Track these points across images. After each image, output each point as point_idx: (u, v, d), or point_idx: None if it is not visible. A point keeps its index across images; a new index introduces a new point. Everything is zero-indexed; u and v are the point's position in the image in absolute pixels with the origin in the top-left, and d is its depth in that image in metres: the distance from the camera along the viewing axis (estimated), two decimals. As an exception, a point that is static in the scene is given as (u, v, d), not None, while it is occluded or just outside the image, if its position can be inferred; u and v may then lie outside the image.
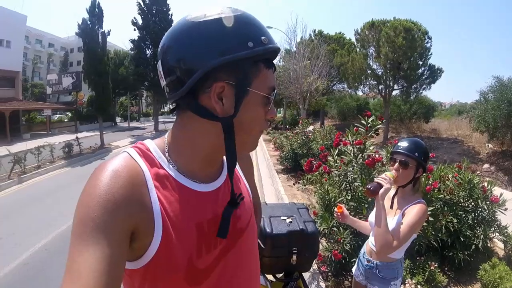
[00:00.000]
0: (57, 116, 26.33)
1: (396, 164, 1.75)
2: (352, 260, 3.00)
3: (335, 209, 1.98)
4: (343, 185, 3.28)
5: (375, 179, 1.68)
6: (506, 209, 3.63)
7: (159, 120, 25.35)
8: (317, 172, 3.71)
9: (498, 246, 4.18)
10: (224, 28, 0.62)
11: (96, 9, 14.91)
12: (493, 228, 3.64)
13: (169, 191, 0.65)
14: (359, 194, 3.10)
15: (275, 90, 0.69)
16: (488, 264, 3.20)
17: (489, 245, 3.82)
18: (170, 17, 22.47)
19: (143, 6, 21.50)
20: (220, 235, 0.66)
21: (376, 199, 1.65)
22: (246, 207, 0.80)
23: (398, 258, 1.81)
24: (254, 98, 0.65)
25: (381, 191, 1.62)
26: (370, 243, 1.92)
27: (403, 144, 1.76)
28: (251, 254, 0.81)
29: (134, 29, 21.53)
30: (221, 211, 0.71)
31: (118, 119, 30.97)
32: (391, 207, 1.83)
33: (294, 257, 1.80)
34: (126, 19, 25.53)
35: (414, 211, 1.68)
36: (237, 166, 0.85)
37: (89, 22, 14.65)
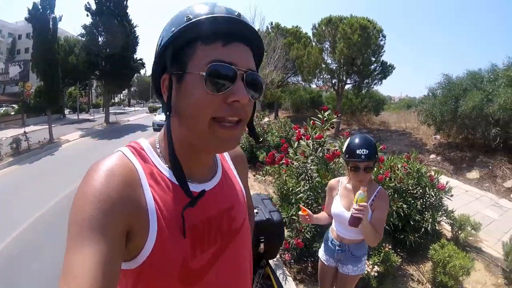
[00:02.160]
0: (3, 109, 24.20)
1: (361, 170, 1.88)
2: (313, 246, 3.17)
3: (300, 212, 2.01)
4: (302, 176, 3.41)
5: (353, 213, 1.74)
6: (452, 195, 4.05)
7: (110, 111, 24.15)
8: (277, 165, 3.80)
9: (446, 228, 4.64)
10: (167, 23, 0.65)
11: None
12: (440, 213, 4.05)
13: (163, 190, 0.65)
14: (316, 184, 3.25)
15: (217, 62, 0.59)
16: (438, 245, 3.59)
17: (437, 228, 4.27)
18: (125, 2, 21.28)
19: None
20: (183, 235, 0.64)
21: (363, 227, 1.79)
22: (240, 208, 0.79)
23: (363, 237, 1.96)
24: (190, 81, 0.60)
25: (363, 221, 1.74)
26: (337, 231, 2.09)
27: (363, 151, 1.86)
28: (245, 255, 0.80)
29: (87, 15, 20.19)
30: (215, 212, 0.71)
31: (66, 111, 28.99)
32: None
33: (262, 245, 1.87)
34: (78, 3, 23.69)
35: (383, 204, 1.91)
36: (232, 166, 0.87)
37: (40, 7, 13.65)
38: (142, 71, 40.99)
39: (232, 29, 0.61)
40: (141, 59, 25.40)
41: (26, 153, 10.92)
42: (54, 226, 4.59)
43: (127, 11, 21.64)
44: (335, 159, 3.33)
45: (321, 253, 2.24)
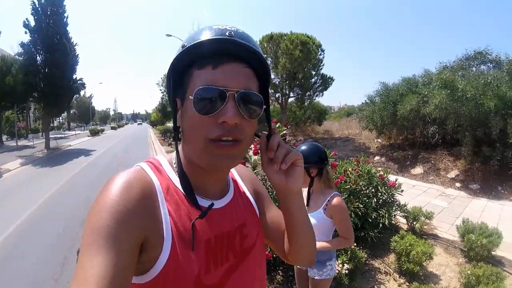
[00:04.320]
0: None
1: None
2: (281, 256, 3.19)
3: None
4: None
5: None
6: (402, 191, 4.39)
7: (50, 136, 22.43)
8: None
9: (401, 221, 5.02)
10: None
11: None
12: (394, 208, 4.37)
13: (178, 206, 0.66)
14: (272, 191, 3.31)
15: (202, 87, 0.60)
16: (397, 236, 3.90)
17: (393, 222, 4.59)
18: (65, 19, 20.10)
19: (37, 5, 18.68)
20: (191, 248, 0.64)
21: (319, 248, 1.95)
22: (253, 226, 0.80)
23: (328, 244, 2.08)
24: (188, 105, 0.63)
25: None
26: None
27: None
28: (257, 273, 0.79)
29: (26, 32, 18.70)
30: (227, 229, 0.72)
31: (4, 137, 26.36)
32: (308, 204, 2.12)
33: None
34: (16, 20, 21.71)
35: (338, 210, 2.00)
36: (244, 186, 0.87)
37: (-26, 23, 12.35)
38: (82, 92, 38.65)
39: (221, 49, 0.62)
40: (81, 79, 23.70)
41: (-38, 185, 9.76)
42: (5, 267, 4.08)
43: (67, 28, 20.50)
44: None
45: None
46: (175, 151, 0.73)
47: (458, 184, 8.33)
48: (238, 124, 0.62)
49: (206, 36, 0.62)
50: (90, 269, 0.50)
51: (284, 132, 3.56)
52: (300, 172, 0.71)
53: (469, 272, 3.38)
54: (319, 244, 1.96)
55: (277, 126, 3.45)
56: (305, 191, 2.17)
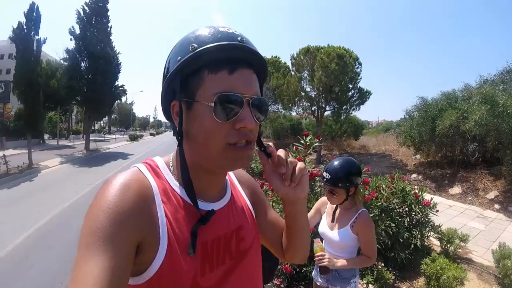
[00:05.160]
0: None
1: (327, 192, 1.97)
2: (303, 270, 3.14)
3: (316, 248, 1.97)
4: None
5: (317, 264, 1.94)
6: (437, 211, 4.15)
7: (91, 138, 23.61)
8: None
9: (434, 243, 4.72)
10: (173, 49, 0.68)
11: (34, 14, 13.67)
12: (428, 228, 4.12)
13: (175, 208, 0.66)
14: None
15: (224, 93, 0.61)
16: (429, 259, 3.63)
17: (426, 243, 4.32)
18: (109, 29, 21.35)
19: (82, 15, 20.09)
20: (189, 253, 0.64)
21: (337, 267, 1.93)
22: (249, 229, 0.80)
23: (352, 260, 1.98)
24: (200, 110, 0.63)
25: (330, 266, 1.90)
26: (325, 249, 2.08)
27: (327, 175, 1.92)
28: (254, 276, 0.80)
29: (71, 39, 20.03)
30: (224, 232, 0.73)
31: (46, 136, 28.13)
32: (333, 220, 2.04)
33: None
34: (62, 27, 23.51)
35: (365, 228, 1.92)
36: (240, 189, 0.89)
37: (25, 27, 13.40)
38: (123, 98, 40.47)
39: (236, 55, 0.63)
40: (122, 86, 25.03)
41: (4, 177, 10.52)
42: (32, 255, 4.42)
43: (111, 37, 21.69)
44: (321, 183, 3.38)
45: (314, 273, 2.24)
46: (173, 153, 0.75)
47: (497, 206, 7.80)
48: (253, 129, 0.64)
49: (219, 39, 0.62)
50: (87, 271, 0.50)
51: (316, 144, 3.48)
52: (307, 180, 0.73)
53: None
54: (340, 262, 1.91)
55: (308, 138, 3.40)
56: (328, 206, 2.14)
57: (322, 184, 1.99)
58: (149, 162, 0.72)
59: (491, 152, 9.26)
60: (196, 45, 0.62)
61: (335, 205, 2.05)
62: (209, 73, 0.62)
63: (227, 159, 0.64)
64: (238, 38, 0.63)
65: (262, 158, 0.72)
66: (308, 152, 3.46)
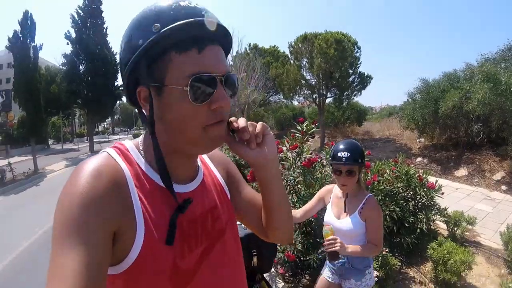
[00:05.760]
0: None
1: (343, 174, 1.85)
2: (308, 258, 3.10)
3: (327, 231, 1.83)
4: (287, 189, 3.39)
5: (325, 249, 1.77)
6: (443, 194, 4.06)
7: (94, 140, 23.86)
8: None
9: (441, 227, 4.66)
10: (130, 30, 0.62)
11: (28, 21, 13.94)
12: (433, 212, 4.05)
13: (149, 192, 0.64)
14: (302, 194, 3.21)
15: (197, 75, 0.58)
16: (435, 243, 3.58)
17: (432, 227, 4.27)
18: (105, 30, 21.44)
19: (77, 18, 20.23)
20: (168, 242, 0.62)
21: (347, 254, 1.81)
22: (224, 208, 0.79)
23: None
24: (172, 94, 0.59)
25: (341, 251, 1.75)
26: None
27: (344, 154, 1.83)
28: (233, 254, 0.79)
29: (67, 43, 20.20)
30: (199, 212, 0.71)
31: (50, 141, 28.51)
32: (345, 210, 1.95)
33: (255, 259, 1.81)
34: (58, 32, 23.87)
35: (374, 213, 1.86)
36: (213, 167, 0.86)
37: (20, 35, 13.67)
38: (124, 98, 40.72)
39: (204, 32, 0.59)
40: (122, 85, 25.24)
41: (11, 184, 10.72)
42: (41, 257, 4.45)
43: (107, 39, 21.72)
44: (322, 169, 3.32)
45: (324, 270, 2.15)
46: (141, 136, 0.73)
47: (504, 187, 7.70)
48: (228, 107, 0.63)
49: (184, 16, 0.57)
50: (64, 265, 0.48)
51: (313, 130, 3.43)
52: (272, 138, 0.71)
53: (510, 285, 3.08)
54: (351, 248, 1.81)
55: (305, 124, 3.35)
56: (332, 196, 2.06)
57: (337, 168, 1.86)
58: (118, 146, 0.69)
59: (496, 132, 9.15)
60: (159, 25, 0.57)
61: (340, 194, 1.98)
62: (177, 54, 0.58)
63: (206, 140, 0.63)
64: (203, 13, 0.59)
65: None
66: (306, 138, 3.41)
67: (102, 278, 0.51)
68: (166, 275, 0.62)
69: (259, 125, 0.70)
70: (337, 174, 1.88)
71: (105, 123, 56.72)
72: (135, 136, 38.07)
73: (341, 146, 1.89)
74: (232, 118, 0.68)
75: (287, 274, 3.39)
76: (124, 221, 0.58)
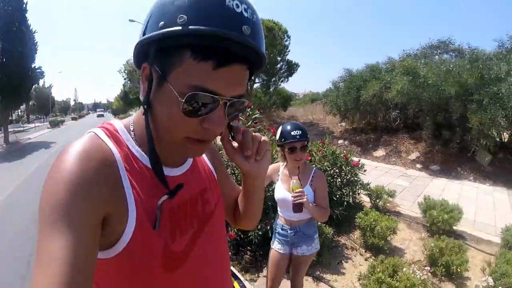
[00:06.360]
0: None
1: (298, 150, 2.05)
2: (249, 235, 3.29)
3: (296, 184, 1.98)
4: (228, 169, 3.60)
5: (293, 201, 1.94)
6: (365, 171, 4.61)
7: (9, 130, 21.07)
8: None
9: (365, 200, 5.28)
10: (156, 4, 0.56)
11: None
12: (358, 186, 4.57)
13: (139, 175, 0.62)
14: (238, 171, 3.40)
15: (198, 93, 0.53)
16: (362, 213, 4.09)
17: (357, 200, 4.80)
18: (24, 5, 18.61)
19: None
20: (154, 227, 0.60)
21: (308, 209, 1.98)
22: (212, 191, 0.80)
23: (312, 215, 2.12)
24: (168, 93, 0.54)
25: (305, 204, 1.94)
26: (284, 215, 2.21)
27: (297, 132, 2.05)
28: (220, 237, 0.80)
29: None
30: (189, 196, 0.71)
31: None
32: (300, 183, 2.14)
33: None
34: None
35: (322, 182, 2.11)
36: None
37: None
38: (40, 82, 36.30)
39: (232, 49, 0.52)
40: (40, 68, 21.60)
41: None
42: None
43: (27, 15, 18.99)
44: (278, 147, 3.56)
45: (274, 243, 2.27)
46: (133, 116, 0.69)
47: (418, 166, 8.68)
48: (220, 132, 0.62)
49: (219, 22, 0.49)
50: (51, 250, 0.46)
51: (256, 115, 3.57)
52: (269, 155, 0.73)
53: (432, 244, 3.51)
54: (310, 205, 1.99)
55: (249, 109, 3.46)
56: (280, 173, 2.22)
57: (292, 145, 2.04)
58: (106, 126, 0.65)
59: (412, 119, 10.15)
60: (185, 18, 0.49)
61: (287, 172, 2.16)
62: (191, 58, 0.52)
63: (183, 149, 0.62)
64: (244, 28, 0.51)
65: (225, 137, 0.68)
66: (250, 123, 3.53)
67: (90, 263, 0.49)
68: (158, 258, 0.61)
69: (263, 142, 0.70)
70: (291, 152, 2.06)
71: (19, 111, 50.42)
72: (52, 123, 35.06)
73: (290, 127, 2.09)
74: (237, 125, 0.67)
75: (229, 253, 3.52)
76: (115, 205, 0.56)
